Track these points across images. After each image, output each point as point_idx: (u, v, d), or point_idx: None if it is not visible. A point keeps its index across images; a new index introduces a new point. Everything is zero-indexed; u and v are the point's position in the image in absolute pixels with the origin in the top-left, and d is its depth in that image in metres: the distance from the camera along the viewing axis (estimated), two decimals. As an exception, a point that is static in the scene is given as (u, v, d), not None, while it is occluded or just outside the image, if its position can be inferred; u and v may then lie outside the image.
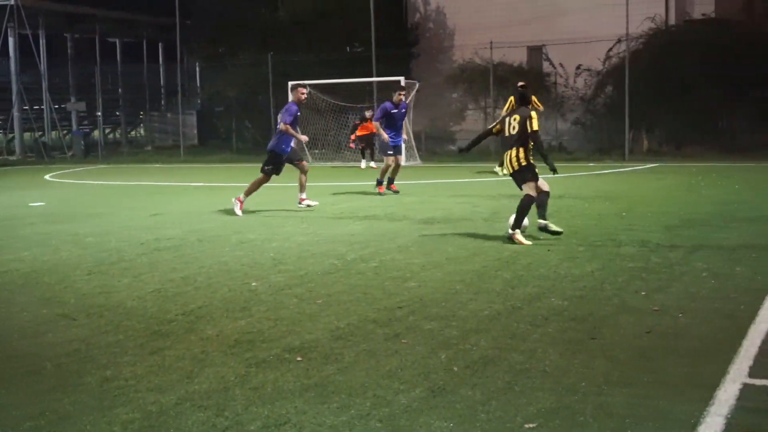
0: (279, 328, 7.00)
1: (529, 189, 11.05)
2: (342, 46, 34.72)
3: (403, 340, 6.55)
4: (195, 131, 39.80)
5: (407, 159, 27.93)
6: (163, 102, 48.59)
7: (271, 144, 15.25)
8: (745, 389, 5.30)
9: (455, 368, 5.85)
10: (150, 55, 49.18)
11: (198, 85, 41.80)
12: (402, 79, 28.42)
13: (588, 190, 15.33)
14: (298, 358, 6.15)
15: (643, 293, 7.94)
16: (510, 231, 10.98)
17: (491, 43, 29.95)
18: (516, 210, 11.02)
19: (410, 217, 13.82)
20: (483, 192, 17.70)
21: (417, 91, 29.22)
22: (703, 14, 30.32)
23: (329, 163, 29.32)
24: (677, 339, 6.42)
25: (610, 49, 29.86)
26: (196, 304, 7.99)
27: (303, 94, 15.27)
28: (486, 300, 7.83)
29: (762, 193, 16.03)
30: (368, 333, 6.79)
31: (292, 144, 15.11)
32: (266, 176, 15.09)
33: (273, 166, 15.05)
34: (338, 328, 6.95)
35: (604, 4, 30.12)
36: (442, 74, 33.83)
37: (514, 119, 11.24)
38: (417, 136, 30.55)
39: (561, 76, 31.72)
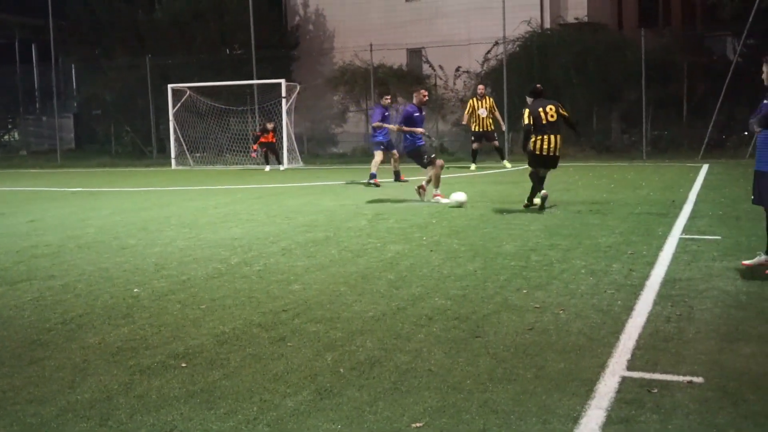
0: (163, 335, 6.91)
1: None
2: (221, 48, 34.42)
3: (288, 344, 6.55)
4: (72, 135, 38.87)
5: (289, 162, 27.91)
6: (38, 105, 47.23)
7: (407, 146, 15.96)
8: (624, 382, 5.47)
9: (341, 370, 5.88)
10: (23, 57, 47.75)
11: (74, 87, 40.78)
12: (283, 81, 28.39)
13: (470, 191, 15.55)
14: (183, 364, 6.09)
15: (524, 291, 8.12)
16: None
17: (371, 45, 30.12)
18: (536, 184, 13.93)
19: (293, 219, 13.80)
20: (366, 194, 17.78)
21: (297, 93, 29.20)
22: (576, 18, 31.12)
23: (210, 167, 29.04)
24: (558, 335, 6.59)
25: (488, 52, 30.36)
26: (76, 311, 7.81)
27: (425, 96, 16.42)
28: (370, 301, 7.88)
29: (635, 191, 16.55)
30: (253, 337, 6.77)
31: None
32: (435, 160, 15.79)
33: (427, 153, 15.86)
34: (223, 333, 6.90)
35: (483, 7, 30.68)
36: (322, 76, 33.87)
37: (550, 108, 13.75)
38: (299, 138, 30.52)
39: (441, 78, 32.10)
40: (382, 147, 20.17)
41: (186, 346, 6.57)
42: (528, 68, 28.58)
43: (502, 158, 25.14)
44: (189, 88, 29.75)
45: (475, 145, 24.28)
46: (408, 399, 5.28)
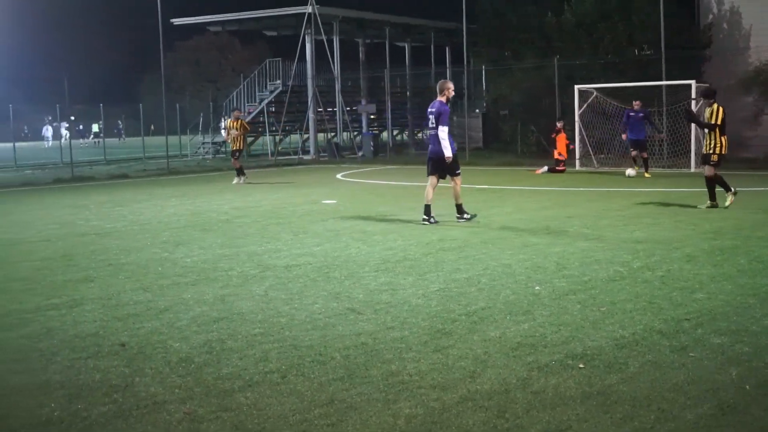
0: (561, 334, 6.95)
1: None
2: (628, 48, 33.88)
3: (690, 353, 6.32)
4: (480, 134, 40.20)
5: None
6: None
7: (453, 149, 14.39)
8: None
9: (747, 386, 5.57)
10: (437, 59, 50.22)
11: (483, 88, 42.17)
12: (693, 82, 27.39)
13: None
14: (581, 365, 6.08)
15: None
16: None
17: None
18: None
19: (698, 226, 13.27)
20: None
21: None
22: None
23: (615, 168, 28.70)
24: None
25: None
26: (479, 305, 8.08)
27: (453, 91, 14.78)
28: (781, 316, 7.40)
29: None
30: (654, 344, 6.60)
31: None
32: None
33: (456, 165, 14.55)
34: (622, 337, 6.80)
35: None
36: (735, 77, 32.23)
37: None
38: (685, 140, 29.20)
39: None
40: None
41: (584, 347, 6.55)
42: None
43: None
44: (595, 89, 29.63)
45: None
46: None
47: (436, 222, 14.21)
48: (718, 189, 15.19)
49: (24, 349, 6.99)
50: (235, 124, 25.59)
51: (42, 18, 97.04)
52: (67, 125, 60.24)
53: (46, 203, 20.61)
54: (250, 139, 43.78)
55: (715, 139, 15.01)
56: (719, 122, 14.97)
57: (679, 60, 31.17)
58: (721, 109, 14.96)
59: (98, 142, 57.16)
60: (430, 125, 14.47)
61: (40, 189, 26.20)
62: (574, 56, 32.68)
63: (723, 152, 15.12)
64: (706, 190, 15.26)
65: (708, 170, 15.09)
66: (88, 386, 5.94)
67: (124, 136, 75.33)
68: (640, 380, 5.74)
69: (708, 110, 15.23)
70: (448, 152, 14.15)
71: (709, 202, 15.14)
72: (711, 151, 15.08)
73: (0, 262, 11.57)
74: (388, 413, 5.25)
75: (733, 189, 15.24)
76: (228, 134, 26.41)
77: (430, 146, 14.66)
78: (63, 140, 65.94)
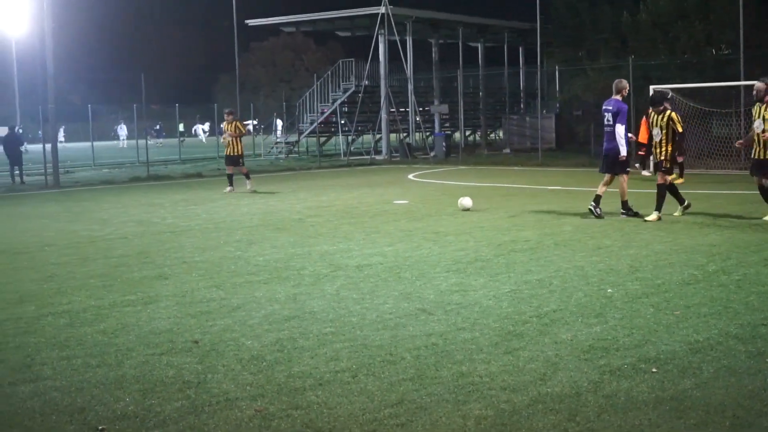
0: (634, 337, 6.87)
1: None
2: (705, 48, 33.31)
3: (767, 360, 6.19)
4: (553, 135, 39.93)
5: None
6: (522, 105, 49.22)
7: (626, 149, 14.71)
8: None
9: (827, 394, 5.45)
10: (510, 59, 50.00)
11: (557, 88, 41.88)
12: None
13: None
14: (654, 369, 6.01)
15: None
16: None
17: None
18: None
19: (778, 229, 13.00)
20: None
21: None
22: None
23: (695, 171, 28.27)
24: None
25: None
26: (550, 307, 8.03)
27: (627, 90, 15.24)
28: None
29: None
30: (729, 349, 6.49)
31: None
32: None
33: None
34: (697, 342, 6.70)
35: None
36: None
37: None
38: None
39: None
40: None
41: (657, 351, 6.47)
42: None
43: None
44: (671, 89, 29.19)
45: None
46: None
47: (600, 215, 14.65)
48: (671, 199, 14.68)
49: (100, 344, 7.14)
50: (229, 126, 22.89)
51: (119, 20, 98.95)
52: (204, 126, 61.76)
53: (123, 201, 20.99)
54: (322, 139, 44.09)
55: (668, 145, 14.47)
56: (680, 129, 14.70)
57: (759, 60, 30.53)
58: (677, 116, 14.43)
59: (183, 140, 58.03)
60: (606, 123, 14.85)
61: (118, 187, 26.71)
62: (649, 56, 32.24)
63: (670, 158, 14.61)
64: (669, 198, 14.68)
65: (660, 177, 14.49)
66: (162, 382, 6.04)
67: (185, 137, 75.02)
68: (714, 386, 5.65)
69: (660, 117, 14.49)
70: (623, 150, 14.58)
71: (680, 207, 14.85)
72: (663, 158, 14.50)
73: (79, 258, 11.82)
74: (457, 414, 5.25)
75: (686, 202, 14.91)
76: (223, 139, 23.74)
77: (605, 144, 15.01)
78: (203, 137, 67.25)
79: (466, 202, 16.49)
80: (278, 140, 46.71)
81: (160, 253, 12.11)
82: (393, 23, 38.35)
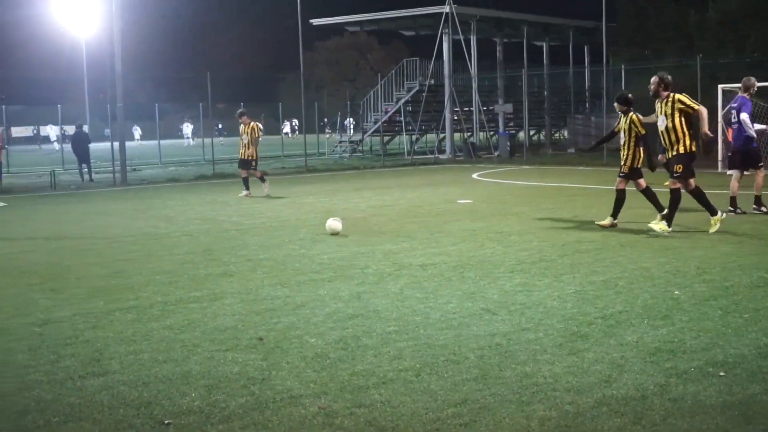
0: (701, 340, 6.77)
1: None
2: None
3: (840, 365, 6.07)
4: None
5: None
6: (587, 104, 48.81)
7: (752, 135, 15.04)
8: None
9: None
10: (575, 58, 49.61)
11: (623, 87, 41.43)
12: None
13: None
14: (721, 373, 5.91)
15: None
16: None
17: None
18: None
19: None
20: None
21: None
22: None
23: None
24: None
25: None
26: (616, 308, 7.94)
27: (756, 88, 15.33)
28: None
29: None
30: (800, 353, 6.37)
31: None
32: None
33: None
34: (766, 346, 6.58)
35: None
36: None
37: None
38: None
39: None
40: None
41: (725, 354, 6.36)
42: None
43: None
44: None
45: None
46: None
47: (742, 212, 14.80)
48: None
49: (167, 339, 7.23)
50: (246, 128, 21.94)
51: (185, 19, 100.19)
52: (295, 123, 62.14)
53: (188, 199, 21.25)
54: (386, 138, 44.15)
55: (633, 149, 13.65)
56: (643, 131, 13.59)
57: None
58: (638, 117, 13.61)
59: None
60: (733, 120, 15.13)
61: (183, 185, 27.05)
62: (717, 55, 31.74)
63: (638, 165, 13.74)
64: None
65: (619, 183, 13.81)
66: (227, 378, 6.10)
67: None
68: (784, 391, 5.55)
69: (624, 119, 13.79)
70: (751, 132, 14.89)
71: (658, 216, 13.33)
72: (623, 162, 13.76)
73: (146, 255, 12.00)
74: (521, 415, 5.22)
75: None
76: (241, 141, 22.34)
77: (733, 142, 15.34)
78: (294, 134, 67.72)
79: (335, 224, 13.70)
80: (342, 139, 46.87)
81: (225, 250, 12.23)
82: (457, 22, 38.29)
